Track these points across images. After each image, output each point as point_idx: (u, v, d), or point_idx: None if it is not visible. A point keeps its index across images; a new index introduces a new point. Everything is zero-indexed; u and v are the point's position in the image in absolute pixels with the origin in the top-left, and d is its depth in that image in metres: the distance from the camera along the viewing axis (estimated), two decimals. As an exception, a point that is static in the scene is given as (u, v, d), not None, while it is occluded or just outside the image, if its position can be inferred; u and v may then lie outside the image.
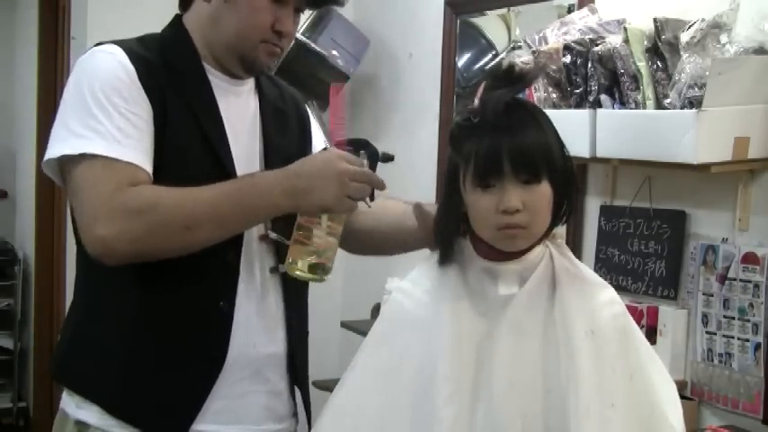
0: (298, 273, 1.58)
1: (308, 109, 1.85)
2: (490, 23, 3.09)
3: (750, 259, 2.14)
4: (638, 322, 2.26)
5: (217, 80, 1.66)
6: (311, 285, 1.72)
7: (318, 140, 1.83)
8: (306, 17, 3.29)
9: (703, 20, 2.11)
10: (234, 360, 1.61)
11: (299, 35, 3.25)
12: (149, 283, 1.57)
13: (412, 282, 1.51)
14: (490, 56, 2.98)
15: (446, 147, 1.49)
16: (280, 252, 1.65)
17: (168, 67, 1.61)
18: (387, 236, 1.76)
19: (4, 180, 5.45)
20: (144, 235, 1.47)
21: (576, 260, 1.49)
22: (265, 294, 1.66)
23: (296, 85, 3.39)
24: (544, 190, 1.39)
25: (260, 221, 1.61)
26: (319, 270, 1.57)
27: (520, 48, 2.83)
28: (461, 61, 3.14)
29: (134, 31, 3.75)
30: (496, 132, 1.37)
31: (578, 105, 2.35)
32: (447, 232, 1.48)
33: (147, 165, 1.53)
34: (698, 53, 2.09)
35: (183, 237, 1.50)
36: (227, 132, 1.63)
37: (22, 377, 4.91)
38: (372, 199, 1.61)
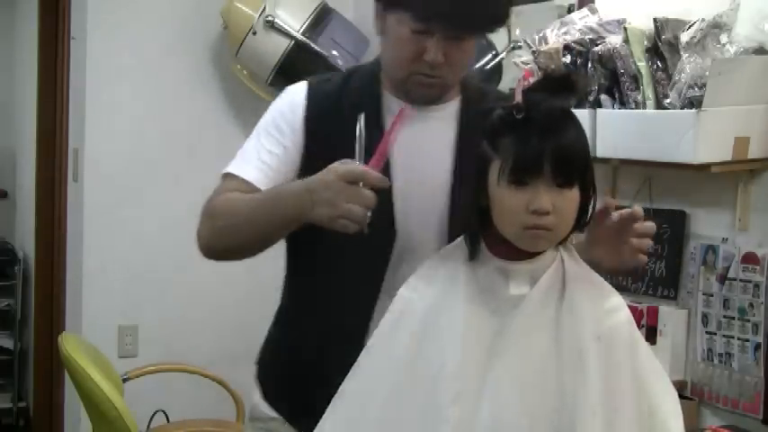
0: None
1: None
2: (490, 23, 3.08)
3: (750, 259, 2.14)
4: (638, 322, 2.26)
5: (395, 106, 1.65)
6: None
7: None
8: (306, 17, 3.28)
9: (703, 20, 2.11)
10: None
11: (298, 35, 3.25)
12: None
13: (421, 278, 1.50)
14: (490, 56, 2.97)
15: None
16: None
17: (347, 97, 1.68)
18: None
19: (4, 180, 5.45)
20: (208, 235, 1.64)
21: (585, 264, 1.50)
22: None
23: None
24: (574, 195, 1.41)
25: (286, 229, 1.61)
26: None
27: (520, 48, 2.83)
28: (461, 61, 3.12)
29: (133, 32, 3.73)
30: (542, 133, 1.37)
31: (578, 105, 2.34)
32: (476, 226, 1.47)
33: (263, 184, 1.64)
34: (698, 53, 2.09)
35: (231, 238, 1.62)
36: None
37: (22, 377, 4.90)
38: (370, 222, 1.45)
